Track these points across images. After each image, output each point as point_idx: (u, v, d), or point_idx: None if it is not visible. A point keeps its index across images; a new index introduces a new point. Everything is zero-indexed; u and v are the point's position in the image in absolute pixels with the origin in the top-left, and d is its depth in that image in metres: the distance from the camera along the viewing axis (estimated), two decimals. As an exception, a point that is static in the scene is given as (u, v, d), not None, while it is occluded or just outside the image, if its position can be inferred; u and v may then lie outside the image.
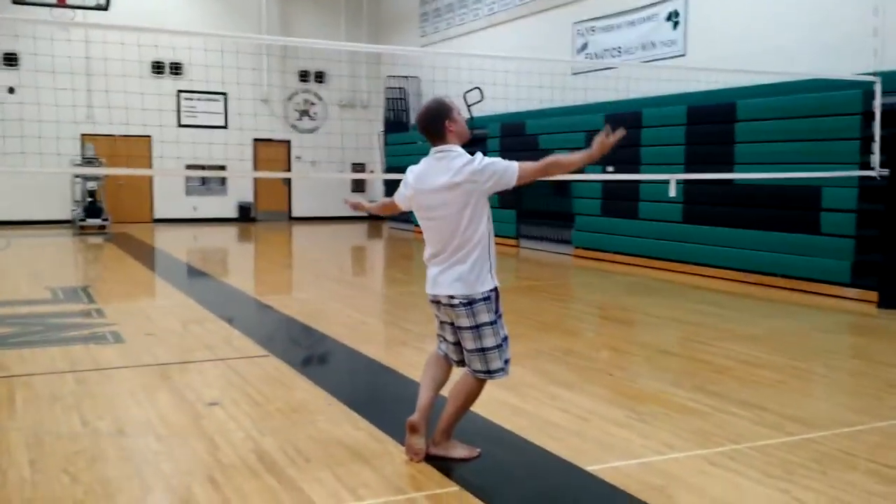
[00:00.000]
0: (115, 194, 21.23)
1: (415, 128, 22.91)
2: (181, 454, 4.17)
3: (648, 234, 12.92)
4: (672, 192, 8.56)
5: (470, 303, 3.96)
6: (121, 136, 21.16)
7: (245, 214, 23.14)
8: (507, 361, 4.13)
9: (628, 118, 13.42)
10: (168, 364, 6.14)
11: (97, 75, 20.13)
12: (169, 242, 17.35)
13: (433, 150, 4.13)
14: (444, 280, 4.02)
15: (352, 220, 23.82)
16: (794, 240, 10.45)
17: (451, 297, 3.99)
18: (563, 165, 4.08)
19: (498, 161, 4.00)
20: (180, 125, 22.21)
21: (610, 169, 13.40)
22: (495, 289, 4.05)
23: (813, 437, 4.56)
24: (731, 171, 11.16)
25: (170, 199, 22.48)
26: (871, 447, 4.41)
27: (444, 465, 4.03)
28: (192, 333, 7.27)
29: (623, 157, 13.16)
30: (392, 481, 3.82)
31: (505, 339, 4.11)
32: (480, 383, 4.13)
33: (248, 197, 23.41)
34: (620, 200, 13.56)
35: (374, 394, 5.60)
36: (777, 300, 9.72)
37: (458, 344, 4.15)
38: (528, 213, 16.08)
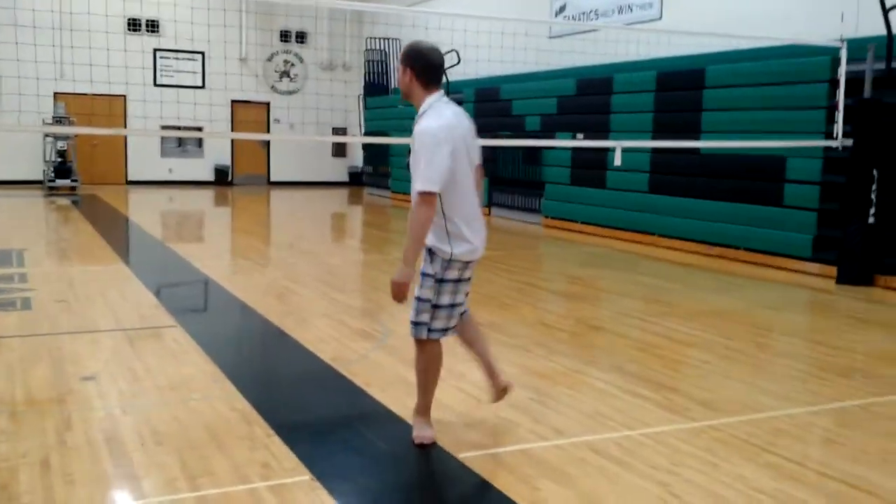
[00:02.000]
0: (88, 155, 20.86)
1: (396, 91, 22.55)
2: (27, 434, 3.89)
3: (616, 203, 12.57)
4: (617, 161, 8.20)
5: None
6: (95, 94, 20.78)
7: (222, 178, 22.76)
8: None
9: (599, 83, 13.04)
10: (63, 334, 5.85)
11: (70, 30, 19.67)
12: (134, 206, 17.05)
13: (439, 94, 3.76)
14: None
15: (332, 186, 23.48)
16: (757, 212, 10.11)
17: None
18: (411, 234, 3.64)
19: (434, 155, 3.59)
20: (156, 84, 21.77)
21: (579, 136, 13.05)
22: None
23: (716, 424, 4.27)
24: (697, 139, 10.78)
25: (145, 160, 22.09)
26: (775, 436, 4.11)
27: (308, 452, 3.74)
28: (106, 302, 6.97)
29: (593, 123, 12.83)
30: (240, 469, 3.54)
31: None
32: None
33: (226, 160, 23.01)
34: (588, 169, 13.20)
35: (269, 372, 5.31)
36: (737, 274, 9.40)
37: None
38: (499, 181, 15.70)
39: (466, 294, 3.97)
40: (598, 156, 12.72)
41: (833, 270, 8.98)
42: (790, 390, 4.95)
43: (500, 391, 4.15)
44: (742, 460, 3.80)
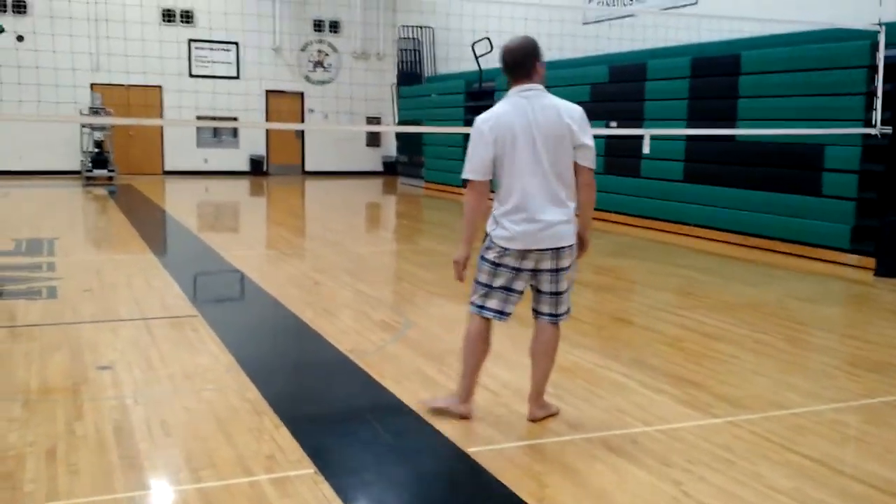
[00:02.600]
0: (125, 145, 21.08)
1: (430, 79, 22.34)
2: (38, 422, 3.89)
3: (650, 193, 12.36)
4: (646, 149, 8.03)
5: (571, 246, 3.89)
6: (131, 85, 21.01)
7: (257, 168, 22.87)
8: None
9: (633, 70, 12.81)
10: (85, 323, 5.88)
11: (106, 21, 19.89)
12: (168, 196, 17.20)
13: (517, 88, 3.86)
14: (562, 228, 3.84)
15: (367, 176, 23.48)
16: (794, 201, 9.85)
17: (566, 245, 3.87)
18: (469, 214, 3.89)
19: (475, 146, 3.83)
20: (192, 75, 21.92)
21: (613, 124, 12.83)
22: None
23: (737, 421, 4.14)
24: (733, 127, 10.53)
25: (181, 151, 22.26)
26: (798, 434, 3.97)
27: (314, 444, 3.69)
28: (131, 291, 7.00)
29: (626, 111, 12.62)
30: (245, 461, 3.50)
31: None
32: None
33: (261, 150, 23.12)
34: (623, 157, 12.97)
35: (284, 363, 5.26)
36: (773, 265, 9.18)
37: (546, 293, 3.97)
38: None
39: (541, 293, 3.96)
40: (632, 144, 12.49)
41: (872, 262, 8.72)
42: (818, 386, 4.79)
43: (533, 417, 4.07)
44: (759, 458, 3.67)
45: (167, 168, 22.11)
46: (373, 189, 20.46)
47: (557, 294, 3.96)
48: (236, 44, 22.07)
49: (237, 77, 22.31)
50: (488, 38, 16.52)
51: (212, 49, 22.15)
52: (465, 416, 4.01)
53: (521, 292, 3.94)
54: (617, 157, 13.10)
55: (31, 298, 6.56)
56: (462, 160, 3.93)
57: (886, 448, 3.84)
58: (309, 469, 3.43)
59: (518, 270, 3.86)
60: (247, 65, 22.09)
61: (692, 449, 3.76)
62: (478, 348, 4.01)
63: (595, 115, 13.08)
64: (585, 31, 14.73)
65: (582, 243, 3.98)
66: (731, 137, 10.57)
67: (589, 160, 3.87)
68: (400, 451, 3.71)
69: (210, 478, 3.33)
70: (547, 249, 3.83)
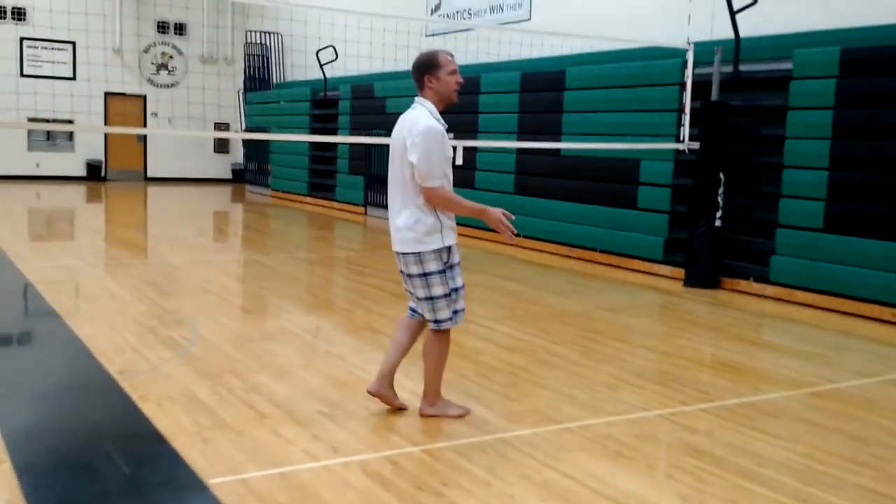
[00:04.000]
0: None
1: (278, 86, 21.91)
2: None
3: (484, 204, 12.39)
4: (458, 161, 7.99)
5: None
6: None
7: (95, 173, 21.74)
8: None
9: (467, 83, 12.86)
10: None
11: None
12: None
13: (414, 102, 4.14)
14: (400, 235, 4.08)
15: (214, 183, 22.73)
16: (613, 214, 10.10)
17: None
18: (457, 206, 4.09)
19: (429, 153, 3.93)
20: (22, 75, 20.63)
21: (450, 135, 12.81)
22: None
23: (507, 437, 4.06)
24: (558, 141, 10.71)
25: (9, 154, 20.88)
26: (562, 451, 3.93)
27: (35, 482, 3.35)
28: None
29: (461, 123, 12.65)
30: None
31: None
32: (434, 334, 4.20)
33: (99, 155, 21.99)
34: (459, 169, 12.99)
35: (39, 387, 4.81)
36: (593, 275, 9.37)
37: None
38: (375, 180, 15.41)
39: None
40: (468, 156, 12.54)
41: (682, 273, 9.02)
42: (597, 399, 4.80)
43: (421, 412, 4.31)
44: (519, 479, 3.59)
45: (-7, 172, 20.69)
46: (216, 197, 19.79)
47: (419, 299, 4.11)
48: (73, 43, 20.91)
49: (73, 78, 21.14)
50: (333, 47, 16.31)
51: (45, 48, 20.90)
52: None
53: (410, 292, 4.18)
54: (455, 169, 13.08)
55: None
56: (305, 169, 3.99)
57: (648, 464, 3.84)
58: (16, 509, 3.10)
59: (401, 271, 4.17)
60: (84, 65, 20.97)
61: (452, 470, 3.65)
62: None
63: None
64: (430, 43, 14.73)
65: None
66: (557, 151, 10.75)
67: (419, 175, 3.92)
68: (132, 484, 3.42)
69: None
70: (397, 252, 4.10)
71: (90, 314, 6.55)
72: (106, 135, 22.26)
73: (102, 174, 21.87)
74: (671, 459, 3.92)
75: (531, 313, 7.17)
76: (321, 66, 17.04)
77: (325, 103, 17.34)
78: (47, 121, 20.40)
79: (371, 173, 15.50)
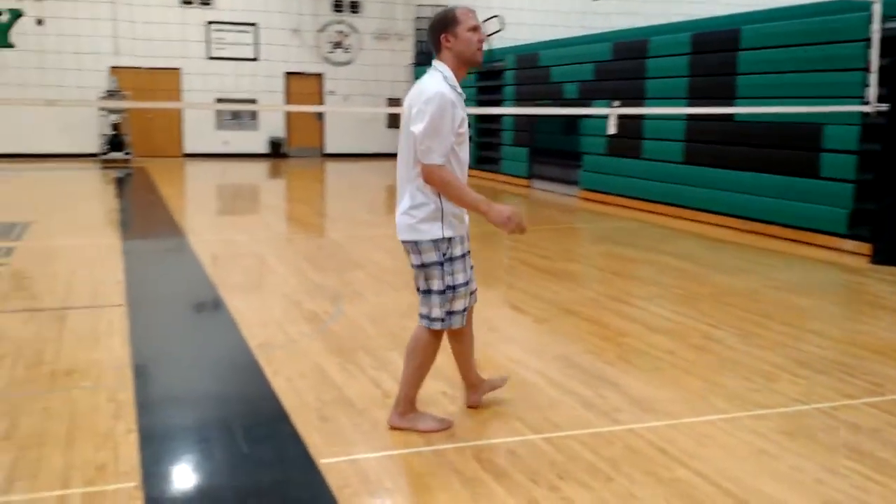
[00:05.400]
0: (145, 128, 21.07)
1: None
2: None
3: (651, 175, 11.85)
4: (611, 130, 7.55)
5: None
6: (151, 68, 21.00)
7: (276, 150, 22.72)
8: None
9: (635, 47, 12.28)
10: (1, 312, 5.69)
11: (127, 5, 19.90)
12: (174, 179, 17.06)
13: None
14: (400, 220, 3.56)
15: (388, 158, 23.15)
16: (793, 183, 9.30)
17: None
18: (457, 195, 3.44)
19: (435, 123, 3.36)
20: (210, 57, 21.82)
21: (616, 103, 12.31)
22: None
23: (639, 429, 3.76)
24: (731, 105, 9.98)
25: (200, 133, 22.19)
26: (699, 445, 3.58)
27: (155, 454, 3.42)
28: (70, 278, 6.79)
29: (628, 89, 12.12)
30: (70, 471, 3.23)
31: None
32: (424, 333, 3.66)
33: (280, 132, 22.96)
34: (625, 138, 12.47)
35: (181, 359, 4.95)
36: (768, 250, 8.71)
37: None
38: (539, 152, 15.10)
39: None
40: (633, 124, 12.00)
41: (869, 248, 8.17)
42: (748, 389, 4.36)
43: (390, 424, 3.75)
44: (644, 475, 3.30)
45: (187, 151, 22.06)
46: (388, 172, 20.12)
47: (417, 290, 3.65)
48: (255, 25, 21.89)
49: (256, 59, 22.14)
50: (497, 16, 16.07)
51: (230, 31, 21.99)
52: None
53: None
54: (620, 138, 12.60)
55: (-38, 286, 6.42)
56: (471, 142, 3.62)
57: (795, 466, 3.43)
58: (131, 483, 3.16)
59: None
60: (266, 46, 21.92)
61: (571, 462, 3.41)
62: None
63: (599, 93, 12.77)
64: (595, 7, 14.18)
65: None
66: (730, 116, 10.03)
67: (419, 150, 3.40)
68: (248, 461, 3.41)
69: (22, 489, 3.08)
70: (403, 242, 3.59)
71: (243, 287, 6.76)
72: (287, 113, 23.17)
73: (283, 151, 22.82)
74: (824, 461, 3.47)
75: (690, 292, 6.70)
76: (488, 35, 16.85)
77: (489, 74, 17.16)
78: (232, 101, 21.57)
79: (535, 145, 15.21)
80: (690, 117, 10.88)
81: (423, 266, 3.55)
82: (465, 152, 3.53)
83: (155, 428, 3.70)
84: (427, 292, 3.59)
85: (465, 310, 3.64)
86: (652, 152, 11.83)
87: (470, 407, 3.95)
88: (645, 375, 4.57)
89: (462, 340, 3.83)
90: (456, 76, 3.51)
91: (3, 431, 3.61)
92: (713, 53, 10.63)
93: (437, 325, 3.60)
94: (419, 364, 3.66)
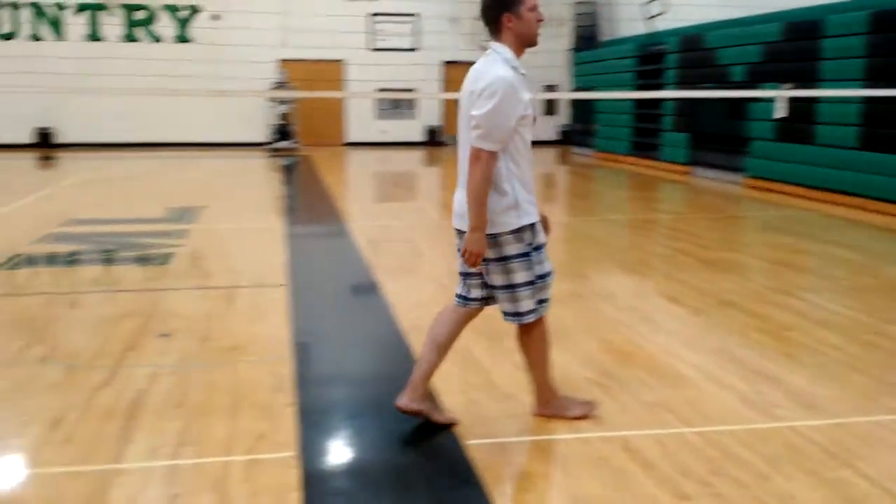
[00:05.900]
0: (309, 118, 21.92)
1: (604, 44, 21.57)
2: (65, 389, 4.01)
3: (824, 161, 11.17)
4: (779, 113, 7.13)
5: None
6: (315, 60, 21.84)
7: (433, 138, 23.08)
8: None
9: (807, 27, 11.61)
10: (175, 290, 6.08)
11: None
12: (336, 167, 17.66)
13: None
14: (460, 209, 3.42)
15: (543, 145, 23.05)
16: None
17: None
18: (479, 194, 3.26)
19: (497, 108, 3.22)
20: (373, 49, 22.41)
21: (787, 86, 11.71)
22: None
23: (800, 427, 3.57)
24: (914, 86, 9.26)
25: (361, 122, 22.87)
26: (865, 446, 3.36)
27: (311, 428, 3.56)
28: (239, 259, 7.20)
29: (800, 71, 11.49)
30: (232, 440, 3.41)
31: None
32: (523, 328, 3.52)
33: (437, 121, 23.29)
34: (796, 122, 11.82)
35: (338, 337, 5.13)
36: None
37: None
38: (701, 138, 14.56)
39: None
40: (805, 108, 11.35)
41: None
42: (845, 396, 4.04)
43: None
44: (805, 474, 3.13)
45: (349, 139, 22.80)
46: (541, 158, 20.01)
47: (495, 287, 3.45)
48: (416, 15, 22.31)
49: (414, 49, 22.55)
50: (659, -2, 15.66)
51: (391, 22, 22.50)
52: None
53: (478, 274, 3.49)
54: (790, 122, 11.96)
55: (143, 264, 6.90)
56: (628, 128, 3.50)
57: (977, 472, 3.16)
58: (289, 452, 3.30)
59: (458, 249, 3.45)
60: (424, 36, 22.30)
61: (727, 458, 3.28)
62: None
63: (768, 76, 12.16)
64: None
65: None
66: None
67: (476, 132, 3.23)
68: (395, 439, 3.49)
69: (188, 455, 3.29)
70: (458, 231, 3.45)
71: (396, 270, 6.91)
72: (444, 101, 23.48)
73: (439, 139, 23.15)
74: None
75: (861, 285, 6.28)
76: (648, 18, 16.43)
77: (650, 58, 16.70)
78: (392, 90, 22.11)
79: (697, 130, 14.68)
80: (867, 100, 10.18)
81: (502, 259, 3.35)
82: (529, 133, 3.41)
83: (312, 402, 3.85)
84: (509, 287, 3.39)
85: (549, 298, 3.50)
86: (825, 138, 11.15)
87: (396, 406, 3.54)
88: (808, 371, 4.32)
89: (455, 331, 3.60)
90: (516, 57, 3.39)
91: (176, 400, 3.85)
92: (894, 32, 9.88)
93: (530, 318, 3.43)
94: (537, 356, 3.55)
